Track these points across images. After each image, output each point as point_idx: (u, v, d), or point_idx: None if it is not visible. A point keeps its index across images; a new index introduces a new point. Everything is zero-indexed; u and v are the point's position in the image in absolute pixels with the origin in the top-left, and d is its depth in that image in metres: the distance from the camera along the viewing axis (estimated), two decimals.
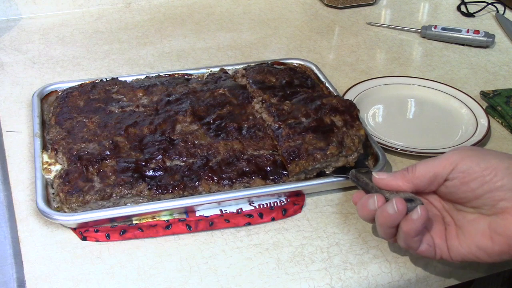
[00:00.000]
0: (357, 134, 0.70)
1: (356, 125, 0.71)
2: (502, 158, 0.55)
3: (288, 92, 0.78)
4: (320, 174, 0.68)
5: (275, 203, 0.66)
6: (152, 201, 0.64)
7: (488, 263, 0.55)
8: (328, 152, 0.67)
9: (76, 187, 0.63)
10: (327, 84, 0.82)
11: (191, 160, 0.67)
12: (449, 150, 0.58)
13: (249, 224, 0.64)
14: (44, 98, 0.79)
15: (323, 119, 0.71)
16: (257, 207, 0.66)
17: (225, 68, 0.86)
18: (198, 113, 0.74)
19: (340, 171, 0.68)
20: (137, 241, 0.62)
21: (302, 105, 0.74)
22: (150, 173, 0.66)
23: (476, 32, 1.01)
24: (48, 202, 0.63)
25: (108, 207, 0.63)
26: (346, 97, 0.83)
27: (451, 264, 0.61)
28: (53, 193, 0.65)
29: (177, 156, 0.68)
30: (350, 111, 0.72)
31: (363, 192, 0.61)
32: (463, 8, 1.14)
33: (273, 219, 0.65)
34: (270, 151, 0.69)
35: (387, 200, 0.56)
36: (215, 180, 0.65)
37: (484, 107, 0.84)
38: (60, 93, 0.79)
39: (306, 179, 0.67)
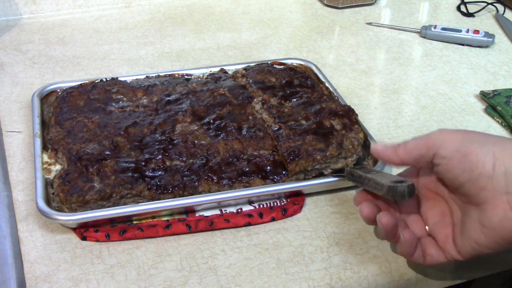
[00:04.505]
0: (356, 137, 0.70)
1: (355, 128, 0.71)
2: (485, 142, 0.50)
3: (288, 92, 0.78)
4: (320, 174, 0.68)
5: (275, 203, 0.66)
6: (152, 201, 0.64)
7: (494, 254, 0.51)
8: (327, 153, 0.67)
9: (76, 187, 0.63)
10: (327, 84, 0.82)
11: (191, 160, 0.67)
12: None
13: (249, 224, 0.64)
14: (44, 98, 0.79)
15: (322, 122, 0.71)
16: (257, 207, 0.66)
17: (225, 68, 0.86)
18: (198, 113, 0.74)
19: (338, 172, 0.68)
20: (137, 241, 0.62)
21: (301, 109, 0.74)
22: (150, 173, 0.66)
23: (476, 32, 1.01)
24: (48, 202, 0.63)
25: (108, 207, 0.63)
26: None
27: (451, 263, 0.61)
28: (53, 193, 0.65)
29: (177, 156, 0.68)
30: (349, 115, 0.72)
31: (363, 194, 0.60)
32: (463, 8, 1.14)
33: (273, 219, 0.65)
34: (270, 151, 0.69)
35: (378, 184, 0.56)
36: (215, 180, 0.65)
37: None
38: (60, 93, 0.79)
39: (305, 179, 0.67)
